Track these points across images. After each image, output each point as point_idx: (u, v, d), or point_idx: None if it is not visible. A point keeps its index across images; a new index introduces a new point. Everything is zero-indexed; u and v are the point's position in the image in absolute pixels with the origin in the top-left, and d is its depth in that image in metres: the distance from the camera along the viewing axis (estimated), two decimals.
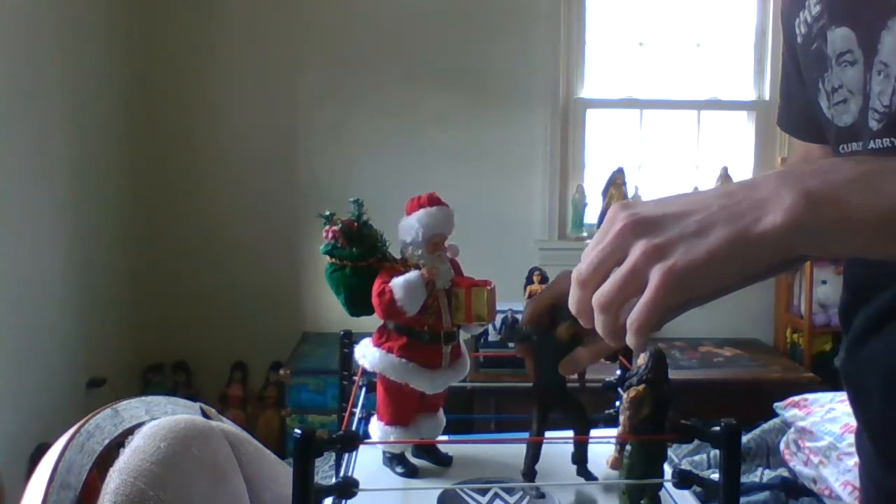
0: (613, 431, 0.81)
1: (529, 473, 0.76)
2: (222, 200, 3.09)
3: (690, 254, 0.51)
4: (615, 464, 0.83)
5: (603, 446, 0.86)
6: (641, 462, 0.68)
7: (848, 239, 0.52)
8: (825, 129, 0.80)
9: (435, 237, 0.85)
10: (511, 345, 0.78)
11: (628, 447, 0.69)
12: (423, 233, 0.84)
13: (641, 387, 0.68)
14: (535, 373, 0.76)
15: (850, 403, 0.85)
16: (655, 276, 0.51)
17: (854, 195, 0.51)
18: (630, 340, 0.54)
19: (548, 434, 0.76)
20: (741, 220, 0.51)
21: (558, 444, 0.84)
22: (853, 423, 0.87)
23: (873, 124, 0.70)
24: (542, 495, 0.76)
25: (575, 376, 0.76)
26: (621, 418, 0.69)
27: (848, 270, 0.86)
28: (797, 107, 0.89)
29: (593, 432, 0.84)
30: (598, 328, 0.55)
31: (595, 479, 0.78)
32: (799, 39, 0.80)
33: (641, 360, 0.70)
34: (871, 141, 0.70)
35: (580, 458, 0.79)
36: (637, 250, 0.53)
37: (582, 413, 0.76)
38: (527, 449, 0.76)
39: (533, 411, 0.76)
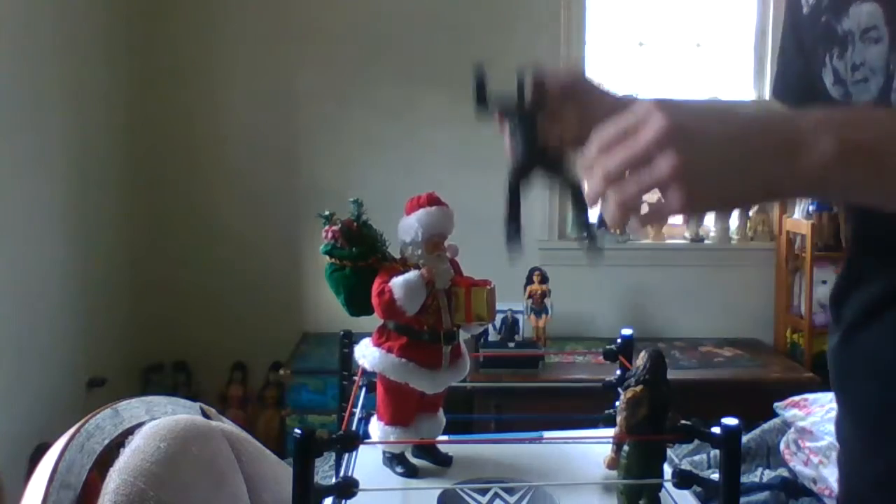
0: (612, 431, 0.81)
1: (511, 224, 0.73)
2: (222, 200, 3.09)
3: (725, 188, 0.54)
4: (611, 464, 0.83)
5: (602, 446, 0.86)
6: (639, 463, 0.68)
7: (873, 193, 0.56)
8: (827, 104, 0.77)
9: (434, 237, 0.85)
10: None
11: (626, 448, 0.69)
12: (423, 233, 0.84)
13: (639, 388, 0.68)
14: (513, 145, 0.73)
15: (836, 389, 0.86)
16: (676, 195, 0.54)
17: (889, 153, 0.54)
18: (631, 226, 0.59)
19: (547, 434, 0.76)
20: (779, 158, 0.54)
21: (558, 445, 0.84)
22: None
23: None
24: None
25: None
26: (618, 419, 0.69)
27: (849, 253, 0.85)
28: (794, 77, 0.88)
29: (589, 432, 0.84)
30: (610, 210, 0.58)
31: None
32: (804, 10, 0.78)
33: (640, 360, 0.70)
34: None
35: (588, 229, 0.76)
36: (668, 163, 0.54)
37: (574, 182, 0.73)
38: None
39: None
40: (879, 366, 0.75)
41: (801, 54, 0.83)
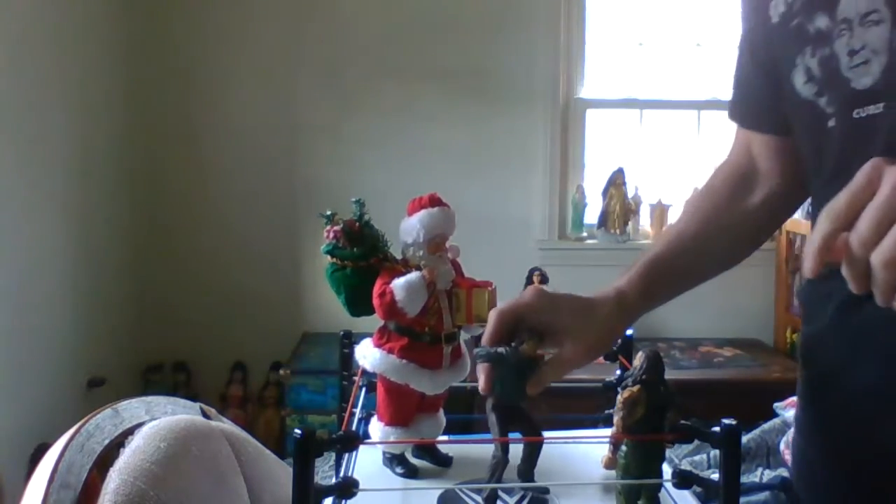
0: (609, 431, 0.81)
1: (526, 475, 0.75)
2: (222, 200, 3.09)
3: None
4: (609, 464, 0.84)
5: (602, 446, 0.86)
6: (637, 463, 0.68)
7: None
8: (801, 108, 0.81)
9: (436, 238, 0.85)
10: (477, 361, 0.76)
11: (623, 448, 0.69)
12: (425, 233, 0.84)
13: (636, 388, 0.68)
14: (497, 391, 0.74)
15: (820, 365, 0.86)
16: None
17: None
18: None
19: (547, 434, 0.76)
20: None
21: (558, 444, 0.84)
22: None
23: None
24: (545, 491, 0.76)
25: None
26: (615, 419, 0.69)
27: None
28: (756, 97, 0.91)
29: (589, 432, 0.84)
30: (878, 286, 0.53)
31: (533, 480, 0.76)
32: (775, 20, 0.82)
33: (637, 360, 0.70)
34: None
35: (529, 465, 0.76)
36: None
37: (537, 431, 0.75)
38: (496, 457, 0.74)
39: (493, 429, 0.74)
40: (881, 341, 0.76)
41: (762, 71, 0.88)
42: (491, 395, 0.75)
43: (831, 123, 0.77)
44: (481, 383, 0.75)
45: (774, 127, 0.91)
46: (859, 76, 0.74)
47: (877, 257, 0.52)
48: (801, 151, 0.86)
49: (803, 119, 0.82)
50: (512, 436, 0.74)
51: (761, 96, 0.90)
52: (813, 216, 0.88)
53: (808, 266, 0.55)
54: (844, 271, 0.54)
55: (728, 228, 0.94)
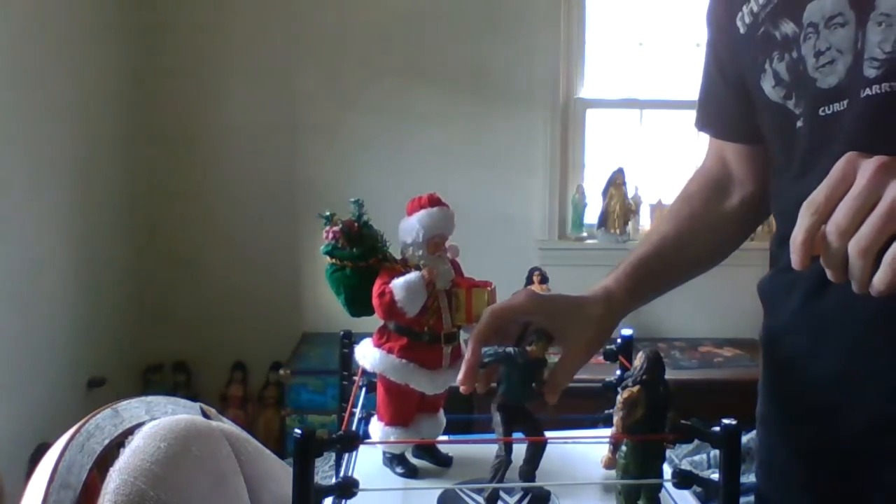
0: (609, 431, 0.81)
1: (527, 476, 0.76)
2: (222, 200, 3.09)
3: None
4: (608, 463, 0.84)
5: (602, 446, 0.86)
6: (636, 463, 0.68)
7: None
8: (770, 112, 0.82)
9: (435, 238, 0.85)
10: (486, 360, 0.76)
11: (623, 448, 0.69)
12: (424, 233, 0.84)
13: (636, 388, 0.68)
14: (503, 390, 0.75)
15: (784, 356, 0.87)
16: None
17: None
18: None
19: (548, 434, 0.76)
20: None
21: (558, 444, 0.84)
22: None
23: (871, 72, 0.72)
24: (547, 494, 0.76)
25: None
26: (615, 419, 0.69)
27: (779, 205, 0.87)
28: (725, 109, 0.95)
29: (589, 432, 0.84)
30: (855, 275, 0.54)
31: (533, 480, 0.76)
32: (742, 31, 0.84)
33: (637, 361, 0.70)
34: (867, 89, 0.72)
35: (531, 465, 0.76)
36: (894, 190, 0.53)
37: (540, 431, 0.76)
38: (494, 460, 0.74)
39: (497, 429, 0.75)
40: (847, 327, 0.77)
41: (729, 84, 0.91)
42: (496, 394, 0.75)
43: (799, 124, 0.79)
44: (461, 375, 0.76)
45: (744, 136, 0.94)
46: (825, 76, 0.76)
47: (853, 246, 0.54)
48: (770, 153, 0.87)
49: (772, 122, 0.84)
50: (515, 436, 0.74)
51: (730, 108, 0.93)
52: (775, 213, 0.90)
53: (795, 259, 0.57)
54: (823, 261, 0.56)
55: (705, 232, 0.97)
